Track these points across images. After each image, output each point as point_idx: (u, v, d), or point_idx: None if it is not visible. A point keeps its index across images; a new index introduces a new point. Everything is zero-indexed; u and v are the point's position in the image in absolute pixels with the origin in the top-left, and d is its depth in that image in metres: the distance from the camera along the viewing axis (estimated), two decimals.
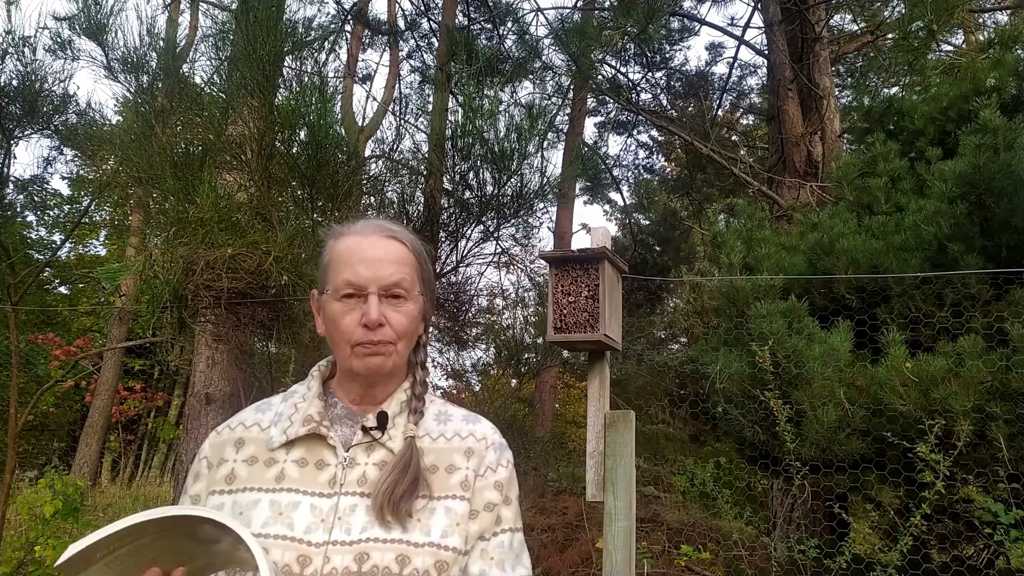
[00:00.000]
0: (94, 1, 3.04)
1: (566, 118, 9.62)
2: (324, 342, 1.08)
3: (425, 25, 8.55)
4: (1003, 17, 7.46)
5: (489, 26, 7.86)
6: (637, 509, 2.33)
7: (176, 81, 3.33)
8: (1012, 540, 2.37)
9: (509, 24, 7.43)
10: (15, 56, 3.44)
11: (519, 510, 1.08)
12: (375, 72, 14.46)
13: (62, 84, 3.59)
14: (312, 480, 0.97)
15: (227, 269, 2.82)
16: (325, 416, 1.02)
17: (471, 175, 3.87)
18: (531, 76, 6.13)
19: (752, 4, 7.45)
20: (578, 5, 8.38)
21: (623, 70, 8.48)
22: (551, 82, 7.96)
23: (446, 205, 4.17)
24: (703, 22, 8.70)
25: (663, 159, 11.78)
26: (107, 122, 3.82)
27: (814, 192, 4.84)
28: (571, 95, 9.50)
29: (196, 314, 3.15)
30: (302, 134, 3.14)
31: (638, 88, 8.90)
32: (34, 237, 12.58)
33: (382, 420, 1.02)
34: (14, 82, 3.46)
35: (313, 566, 0.90)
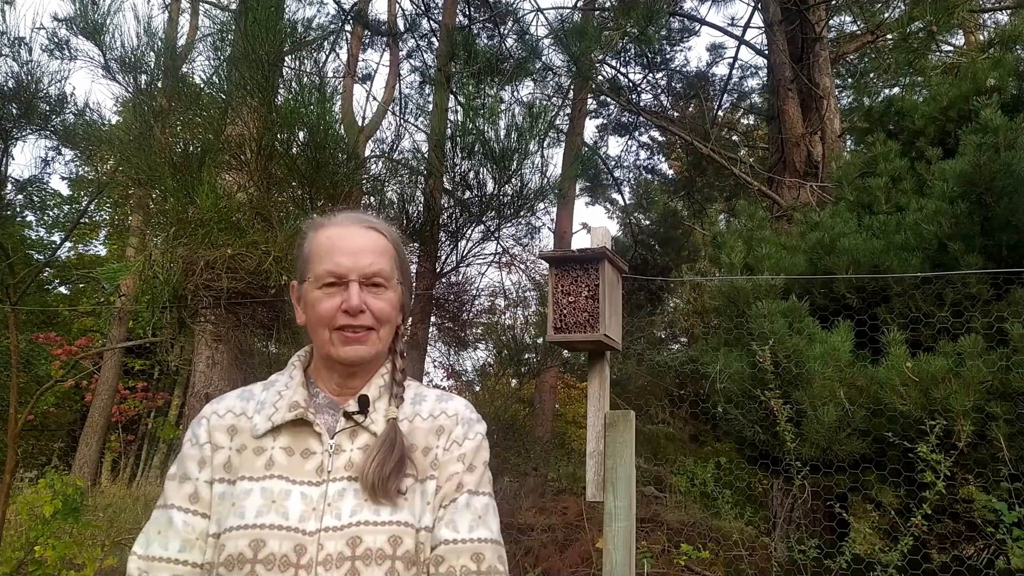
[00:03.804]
0: (91, 1, 3.04)
1: (566, 118, 9.61)
2: None
3: (425, 25, 8.55)
4: (1003, 17, 7.45)
5: (489, 26, 7.86)
6: (637, 509, 2.33)
7: (175, 81, 3.33)
8: (1014, 539, 2.37)
9: (509, 24, 7.43)
10: (11, 56, 3.43)
11: (488, 476, 1.07)
12: (375, 72, 14.46)
13: (59, 84, 3.58)
14: (299, 469, 0.97)
15: (227, 269, 2.83)
16: (310, 404, 1.02)
17: (471, 175, 3.87)
18: (532, 76, 6.13)
19: (752, 4, 7.45)
20: (578, 5, 8.37)
21: (623, 71, 8.48)
22: (551, 82, 7.96)
23: (446, 205, 4.17)
24: (703, 22, 8.70)
25: (664, 160, 11.78)
26: (106, 122, 3.82)
27: (814, 192, 4.84)
28: (571, 95, 9.49)
29: (196, 314, 3.15)
30: (301, 134, 3.14)
31: (639, 89, 8.89)
32: (34, 237, 12.58)
33: (363, 404, 1.02)
34: (10, 83, 3.45)
35: (308, 554, 0.90)
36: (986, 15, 7.79)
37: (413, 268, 4.53)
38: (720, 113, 9.97)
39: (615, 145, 28.81)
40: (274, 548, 0.90)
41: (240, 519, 0.93)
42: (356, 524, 0.93)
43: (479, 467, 1.05)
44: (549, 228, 9.78)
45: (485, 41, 7.50)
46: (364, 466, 0.96)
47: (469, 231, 4.16)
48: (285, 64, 3.24)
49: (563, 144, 9.23)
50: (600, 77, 7.10)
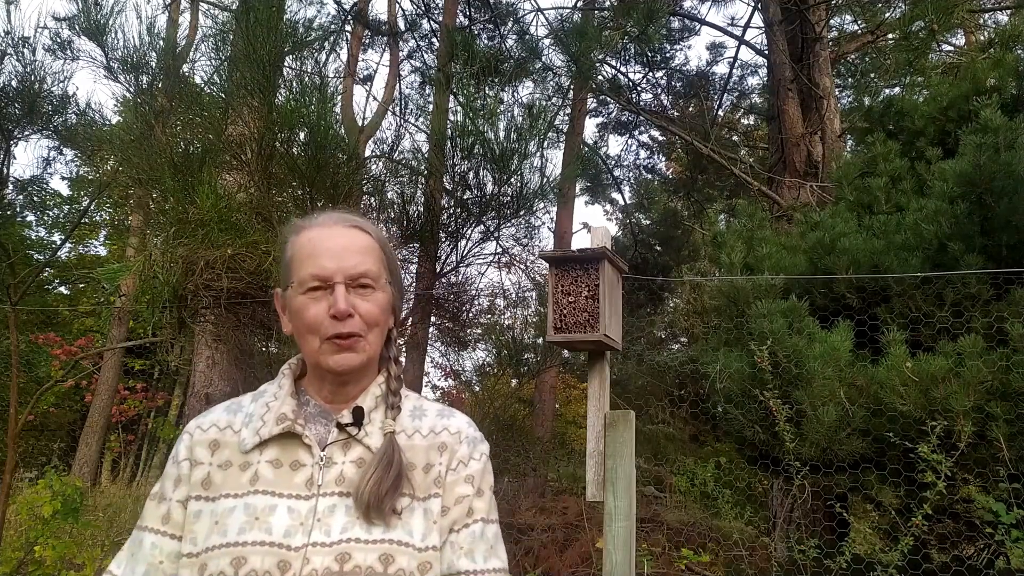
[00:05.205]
0: (94, 2, 3.05)
1: (566, 118, 9.60)
2: None
3: (425, 25, 8.56)
4: (1003, 17, 7.45)
5: (490, 26, 7.87)
6: (637, 509, 2.33)
7: (176, 81, 3.33)
8: (1013, 540, 2.37)
9: (510, 24, 7.44)
10: (15, 56, 3.43)
11: (494, 502, 1.05)
12: (375, 72, 14.46)
13: (61, 85, 3.59)
14: (287, 482, 0.94)
15: (227, 269, 2.83)
16: (299, 415, 0.99)
17: (471, 175, 3.88)
18: (532, 76, 6.14)
19: (752, 4, 7.45)
20: (578, 5, 8.38)
21: (623, 70, 8.48)
22: (551, 82, 7.96)
23: (446, 205, 4.17)
24: (703, 22, 8.70)
25: (664, 159, 11.78)
26: (107, 122, 3.82)
27: (814, 192, 4.84)
28: (571, 95, 9.50)
29: (196, 314, 3.16)
30: (302, 134, 3.15)
31: (638, 88, 8.90)
32: (34, 237, 12.59)
33: (358, 416, 0.99)
34: (13, 83, 3.45)
35: (292, 570, 0.87)
36: (986, 15, 7.79)
37: (413, 268, 4.53)
38: (720, 113, 9.97)
39: (615, 144, 28.79)
40: (256, 565, 0.87)
41: (222, 537, 0.90)
42: (346, 541, 0.90)
43: (487, 492, 1.03)
44: (549, 228, 9.79)
45: (485, 41, 7.51)
46: (359, 483, 0.92)
47: (469, 231, 4.16)
48: (286, 64, 3.24)
49: (563, 144, 9.24)
50: (600, 77, 7.11)
